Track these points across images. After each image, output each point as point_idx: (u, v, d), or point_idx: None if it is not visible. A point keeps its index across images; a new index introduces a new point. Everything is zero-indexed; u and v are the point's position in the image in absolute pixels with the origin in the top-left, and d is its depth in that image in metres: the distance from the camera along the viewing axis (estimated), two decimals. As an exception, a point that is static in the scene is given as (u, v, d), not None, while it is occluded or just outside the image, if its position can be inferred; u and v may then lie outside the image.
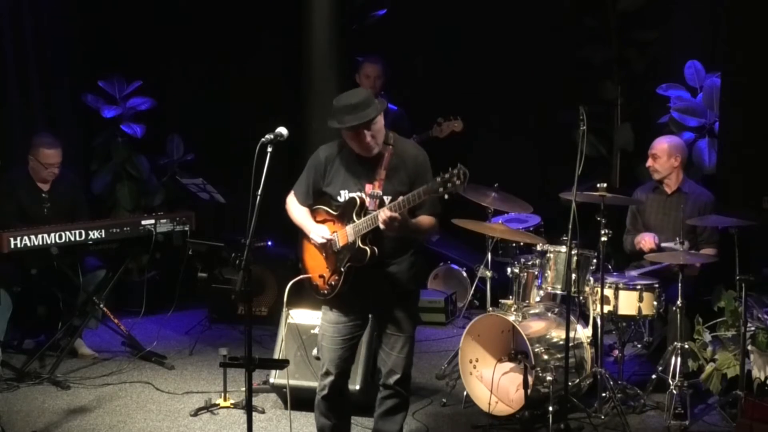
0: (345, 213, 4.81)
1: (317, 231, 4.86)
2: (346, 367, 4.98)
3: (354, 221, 4.77)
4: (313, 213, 4.96)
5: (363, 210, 4.75)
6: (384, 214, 4.60)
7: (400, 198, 4.62)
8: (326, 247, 4.88)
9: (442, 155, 5.24)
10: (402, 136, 5.19)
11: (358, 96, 4.74)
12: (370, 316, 5.02)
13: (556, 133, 8.14)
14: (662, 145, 6.55)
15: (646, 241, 6.43)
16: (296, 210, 4.98)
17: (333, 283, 4.86)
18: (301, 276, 4.97)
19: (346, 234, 4.80)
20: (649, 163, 6.56)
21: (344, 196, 4.83)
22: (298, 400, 5.35)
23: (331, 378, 4.93)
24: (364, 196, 4.77)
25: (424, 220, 4.80)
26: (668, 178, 6.53)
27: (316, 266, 4.93)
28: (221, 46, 8.73)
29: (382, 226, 4.63)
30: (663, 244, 6.35)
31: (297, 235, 5.03)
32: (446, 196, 4.52)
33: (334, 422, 5.05)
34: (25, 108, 8.05)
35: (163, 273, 8.10)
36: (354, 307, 4.91)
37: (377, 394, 5.07)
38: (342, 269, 4.81)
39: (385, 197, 4.75)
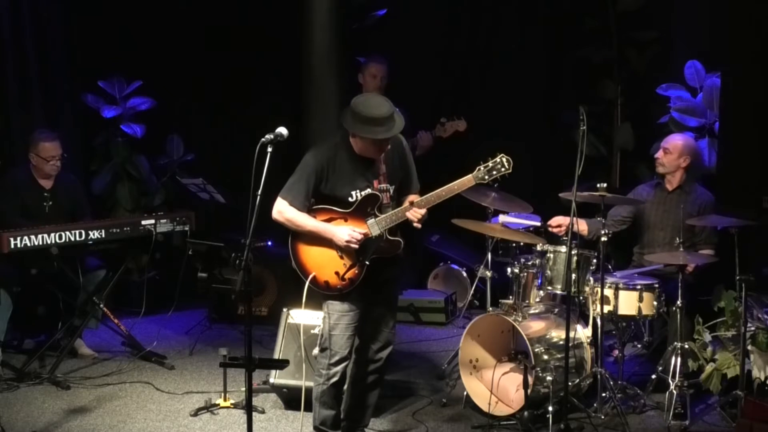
0: (363, 209, 4.97)
1: (344, 231, 4.94)
2: (352, 350, 5.17)
3: (377, 216, 4.97)
4: (312, 213, 5.03)
5: (380, 205, 4.97)
6: (419, 213, 4.91)
7: (432, 194, 4.92)
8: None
9: (443, 155, 5.26)
10: (402, 136, 5.24)
11: (384, 107, 4.88)
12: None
13: (556, 133, 8.13)
14: (676, 141, 6.57)
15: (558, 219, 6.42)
16: (301, 217, 5.00)
17: (353, 277, 4.99)
18: (312, 275, 5.03)
19: (367, 228, 4.96)
20: (659, 155, 6.56)
21: (356, 195, 4.97)
22: (299, 400, 5.34)
23: (345, 363, 5.11)
24: (378, 192, 4.98)
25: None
26: (672, 175, 6.53)
27: (326, 264, 5.03)
28: (221, 46, 8.72)
29: (417, 224, 4.94)
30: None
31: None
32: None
33: (336, 411, 5.23)
34: (25, 108, 8.05)
35: (163, 273, 8.08)
36: (364, 295, 5.07)
37: (356, 370, 5.25)
38: (366, 262, 4.97)
39: (390, 187, 5.01)
